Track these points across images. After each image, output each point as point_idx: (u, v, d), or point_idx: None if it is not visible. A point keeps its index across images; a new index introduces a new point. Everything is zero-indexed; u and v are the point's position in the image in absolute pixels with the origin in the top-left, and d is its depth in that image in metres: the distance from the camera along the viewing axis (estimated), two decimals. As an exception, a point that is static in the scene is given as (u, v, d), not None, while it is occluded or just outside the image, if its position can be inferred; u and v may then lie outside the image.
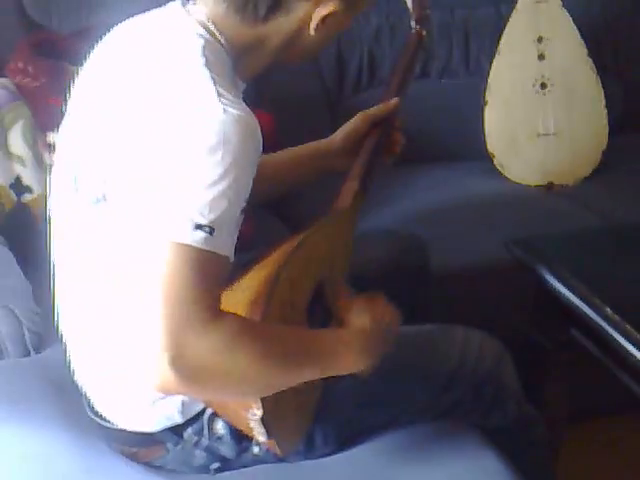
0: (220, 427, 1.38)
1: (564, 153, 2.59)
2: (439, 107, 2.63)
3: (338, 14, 1.32)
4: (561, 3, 2.59)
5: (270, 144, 1.33)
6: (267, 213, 2.12)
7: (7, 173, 1.98)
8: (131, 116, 1.21)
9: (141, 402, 1.35)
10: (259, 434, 1.25)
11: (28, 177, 1.98)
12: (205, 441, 1.39)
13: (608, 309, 1.57)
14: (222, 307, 1.14)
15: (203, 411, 1.37)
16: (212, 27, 1.27)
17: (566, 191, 2.56)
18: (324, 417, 1.41)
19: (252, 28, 1.30)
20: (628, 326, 1.53)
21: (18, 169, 1.98)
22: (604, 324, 1.57)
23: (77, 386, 1.45)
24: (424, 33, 1.76)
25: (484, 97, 2.57)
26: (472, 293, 2.12)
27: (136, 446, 1.42)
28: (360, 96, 2.62)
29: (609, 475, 2.18)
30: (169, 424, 1.37)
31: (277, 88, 2.41)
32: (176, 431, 1.38)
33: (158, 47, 1.26)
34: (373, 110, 1.65)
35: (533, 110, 2.58)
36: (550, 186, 2.58)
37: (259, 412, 1.21)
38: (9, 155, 1.98)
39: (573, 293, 1.65)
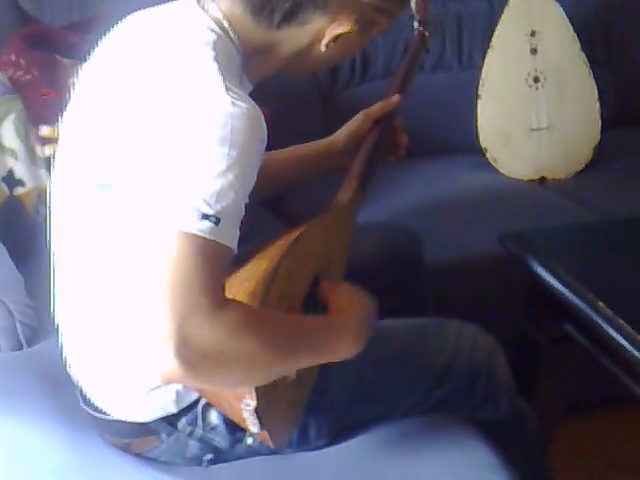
0: (214, 417, 1.38)
1: (557, 147, 2.59)
2: (432, 101, 2.63)
3: (351, 35, 1.33)
4: (554, -4, 2.60)
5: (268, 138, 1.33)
6: (260, 208, 2.12)
7: (-1, 166, 1.98)
8: (139, 105, 1.21)
9: (136, 392, 1.35)
10: (252, 425, 1.25)
11: (20, 170, 1.98)
12: (199, 431, 1.39)
13: (601, 303, 1.58)
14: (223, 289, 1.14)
15: (197, 401, 1.37)
16: (226, 24, 1.29)
17: (559, 185, 2.57)
18: (318, 410, 1.42)
19: (266, 33, 1.31)
20: (621, 320, 1.53)
21: (10, 162, 1.97)
22: (597, 318, 1.57)
23: (70, 379, 1.44)
24: (427, 34, 1.77)
25: (477, 91, 2.57)
26: (465, 287, 2.13)
27: (130, 437, 1.42)
28: (353, 90, 2.63)
29: (601, 469, 2.19)
30: (163, 414, 1.37)
31: (270, 82, 2.41)
32: (170, 421, 1.38)
33: (169, 38, 1.27)
34: (375, 108, 1.66)
35: (526, 104, 2.58)
36: (543, 180, 2.58)
37: (252, 403, 1.21)
38: (1, 148, 1.97)
39: (566, 287, 1.66)
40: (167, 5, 1.34)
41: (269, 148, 1.25)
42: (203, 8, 1.30)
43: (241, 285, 1.25)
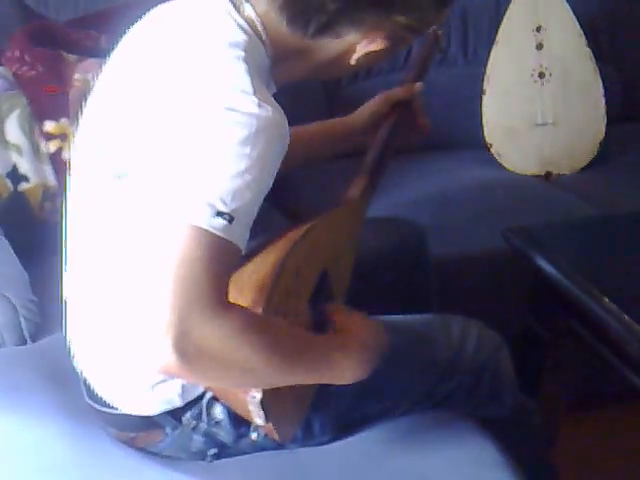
0: (219, 412, 1.38)
1: (562, 143, 2.60)
2: (437, 96, 2.63)
3: (380, 51, 1.33)
4: (560, -8, 2.60)
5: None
6: (266, 204, 2.12)
7: (4, 162, 1.98)
8: (164, 98, 1.21)
9: (142, 385, 1.36)
10: (257, 417, 1.24)
11: (24, 166, 1.98)
12: (204, 426, 1.39)
13: (606, 299, 1.57)
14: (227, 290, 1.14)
15: (202, 395, 1.37)
16: (259, 26, 1.28)
17: (563, 181, 2.57)
18: (322, 405, 1.42)
19: (298, 40, 1.31)
20: (625, 315, 1.53)
21: (15, 158, 1.98)
22: (602, 313, 1.57)
23: (75, 373, 1.45)
24: (440, 33, 1.77)
25: (482, 86, 2.57)
26: (469, 281, 2.13)
27: (134, 431, 1.43)
28: (358, 86, 2.63)
29: (606, 464, 2.18)
30: (169, 407, 1.37)
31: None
32: (175, 415, 1.38)
33: (198, 33, 1.26)
34: (396, 91, 1.68)
35: (531, 100, 2.59)
36: (548, 175, 2.59)
37: (258, 395, 1.21)
38: (6, 144, 1.98)
39: (570, 282, 1.65)
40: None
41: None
42: (236, 6, 1.29)
43: (249, 278, 1.24)
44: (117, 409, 1.40)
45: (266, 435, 1.39)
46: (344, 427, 1.48)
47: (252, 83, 1.17)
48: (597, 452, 2.22)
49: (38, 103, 2.01)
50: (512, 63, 2.59)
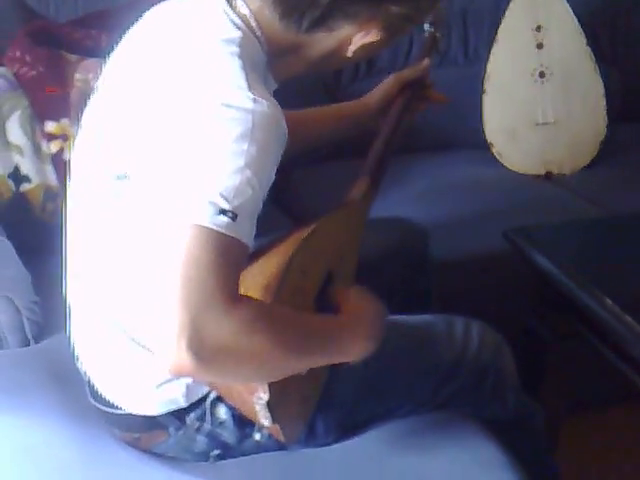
0: (223, 413, 1.38)
1: (563, 142, 2.60)
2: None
3: (377, 42, 1.34)
4: (560, -8, 2.60)
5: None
6: (268, 204, 2.13)
7: (5, 163, 1.98)
8: (162, 98, 1.21)
9: (146, 385, 1.36)
10: (264, 418, 1.25)
11: (26, 167, 1.98)
12: (207, 426, 1.39)
13: (607, 299, 1.58)
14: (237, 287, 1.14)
15: (206, 396, 1.38)
16: (253, 23, 1.29)
17: (564, 180, 2.57)
18: (326, 406, 1.42)
19: (293, 35, 1.31)
20: (627, 316, 1.53)
21: (16, 159, 1.98)
22: (603, 314, 1.57)
23: (78, 374, 1.45)
24: (438, 35, 1.79)
25: (483, 86, 2.57)
26: (471, 282, 2.13)
27: (138, 431, 1.43)
28: (357, 86, 2.62)
29: (608, 465, 2.19)
30: (173, 408, 1.37)
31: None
32: (179, 415, 1.38)
33: (194, 32, 1.27)
34: (406, 72, 1.74)
35: (532, 99, 2.59)
36: (548, 175, 2.59)
37: (265, 396, 1.21)
38: (7, 145, 1.98)
39: (573, 283, 1.65)
40: None
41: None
42: (230, 3, 1.30)
43: (253, 279, 1.24)
44: (121, 409, 1.40)
45: (270, 436, 1.39)
46: (347, 428, 1.48)
47: (247, 79, 1.18)
48: (599, 453, 2.22)
49: (39, 104, 2.01)
50: (512, 62, 2.60)
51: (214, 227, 1.09)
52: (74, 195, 1.39)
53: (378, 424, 1.50)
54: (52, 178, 2.00)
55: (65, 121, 2.01)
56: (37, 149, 1.99)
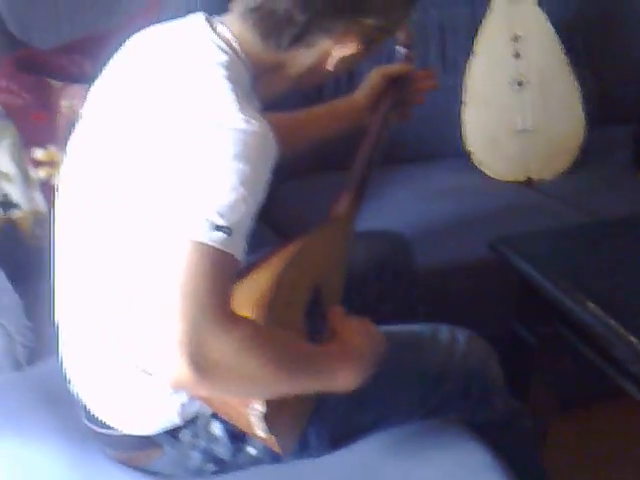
0: (216, 429, 1.40)
1: (542, 148, 2.61)
2: (417, 107, 2.64)
3: (355, 54, 1.37)
4: (536, 1, 2.62)
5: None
6: (257, 222, 2.13)
7: (-5, 191, 1.99)
8: (153, 121, 1.24)
9: (141, 405, 1.37)
10: (260, 429, 1.26)
11: (16, 194, 1.99)
12: (202, 443, 1.41)
13: (590, 303, 1.60)
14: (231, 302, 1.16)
15: (200, 414, 1.39)
16: (236, 45, 1.32)
17: (545, 186, 2.59)
18: (318, 417, 1.43)
19: (273, 53, 1.35)
20: (611, 320, 1.55)
21: (6, 187, 1.98)
22: (587, 318, 1.59)
23: (72, 396, 1.46)
24: (412, 54, 1.84)
25: (462, 96, 2.59)
26: (455, 290, 2.14)
27: (133, 450, 1.44)
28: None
29: (595, 464, 2.20)
30: (168, 426, 1.39)
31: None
32: (173, 433, 1.40)
33: (182, 57, 1.30)
34: (390, 67, 1.78)
35: (510, 107, 2.60)
36: (529, 181, 2.60)
37: (261, 408, 1.22)
38: (-3, 173, 1.99)
39: (556, 288, 1.67)
40: (176, 23, 1.38)
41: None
42: (213, 28, 1.33)
43: (244, 295, 1.26)
44: (116, 430, 1.41)
45: (264, 448, 1.40)
46: (339, 439, 1.49)
47: (237, 100, 1.21)
48: (584, 451, 2.24)
49: (26, 131, 2.02)
50: (491, 73, 2.61)
51: (210, 242, 1.12)
52: (62, 219, 1.41)
53: (370, 434, 1.51)
54: (41, 204, 2.01)
55: (52, 148, 2.03)
56: (26, 176, 2.01)
